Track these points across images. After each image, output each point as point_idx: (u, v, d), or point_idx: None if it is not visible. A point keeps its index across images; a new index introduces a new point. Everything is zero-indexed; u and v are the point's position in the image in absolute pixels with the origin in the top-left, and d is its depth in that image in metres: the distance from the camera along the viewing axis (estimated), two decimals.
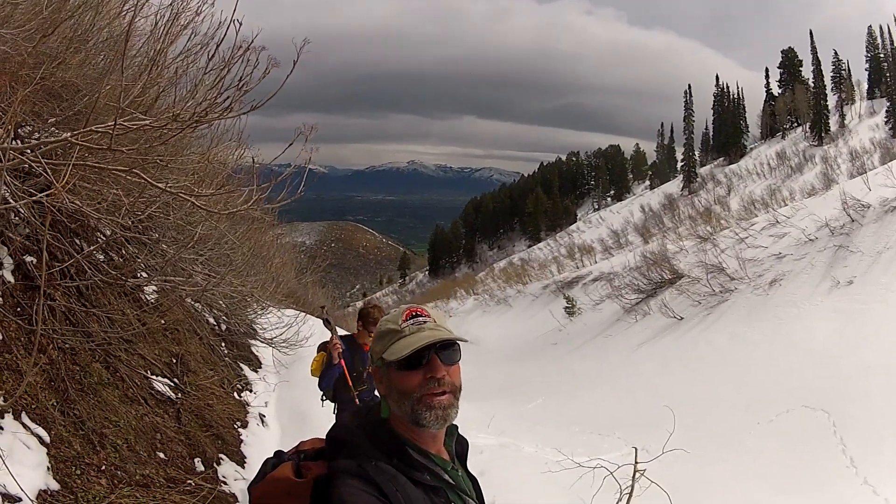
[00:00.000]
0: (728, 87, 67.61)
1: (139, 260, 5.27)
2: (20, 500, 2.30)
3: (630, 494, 4.53)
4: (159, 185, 3.76)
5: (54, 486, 2.57)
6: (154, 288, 5.74)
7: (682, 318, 15.79)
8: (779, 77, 63.13)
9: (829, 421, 8.18)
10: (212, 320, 7.95)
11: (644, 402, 10.55)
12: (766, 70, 64.83)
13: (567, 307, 26.87)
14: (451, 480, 1.53)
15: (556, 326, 25.54)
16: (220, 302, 8.27)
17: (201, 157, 5.63)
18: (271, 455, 1.60)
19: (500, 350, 26.27)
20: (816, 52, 57.44)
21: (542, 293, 34.76)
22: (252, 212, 9.38)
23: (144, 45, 4.53)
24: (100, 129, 2.96)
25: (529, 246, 75.59)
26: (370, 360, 1.60)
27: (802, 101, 56.10)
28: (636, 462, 4.75)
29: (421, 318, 1.52)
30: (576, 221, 76.27)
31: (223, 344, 7.68)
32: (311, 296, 25.25)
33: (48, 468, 2.61)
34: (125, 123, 3.10)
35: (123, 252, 5.40)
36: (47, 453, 2.67)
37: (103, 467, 3.01)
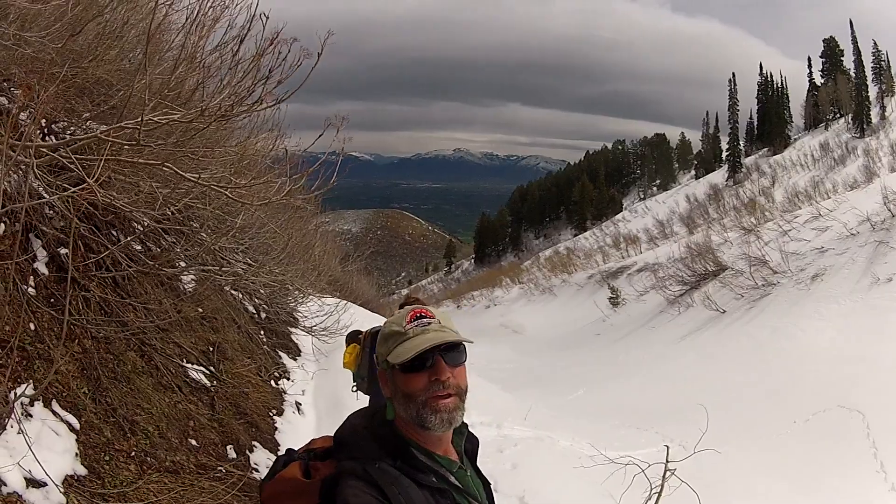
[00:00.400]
0: (771, 77, 65.71)
1: (177, 249, 5.41)
2: (45, 485, 2.38)
3: (659, 494, 4.43)
4: (191, 176, 3.85)
5: (81, 471, 2.66)
6: (192, 277, 5.88)
7: (724, 311, 15.71)
8: (821, 66, 61.41)
9: (863, 423, 8.11)
10: (251, 309, 8.11)
11: (684, 396, 10.49)
12: (809, 59, 63.20)
13: (611, 297, 26.91)
14: (457, 483, 1.51)
15: (601, 317, 25.55)
16: (261, 290, 8.44)
17: (238, 147, 5.73)
18: (299, 446, 1.62)
19: (544, 339, 26.46)
20: (857, 42, 55.55)
21: (587, 283, 34.76)
22: (292, 201, 9.59)
23: (178, 38, 4.60)
24: (129, 126, 3.02)
25: (575, 235, 74.72)
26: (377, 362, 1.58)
27: (844, 92, 54.21)
28: (667, 461, 4.66)
29: (425, 320, 1.51)
30: (621, 211, 74.95)
31: (262, 332, 7.82)
32: (354, 284, 25.58)
33: (76, 454, 2.70)
34: (154, 119, 3.17)
35: (162, 242, 5.55)
36: (76, 440, 2.76)
37: (133, 453, 3.10)
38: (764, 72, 65.97)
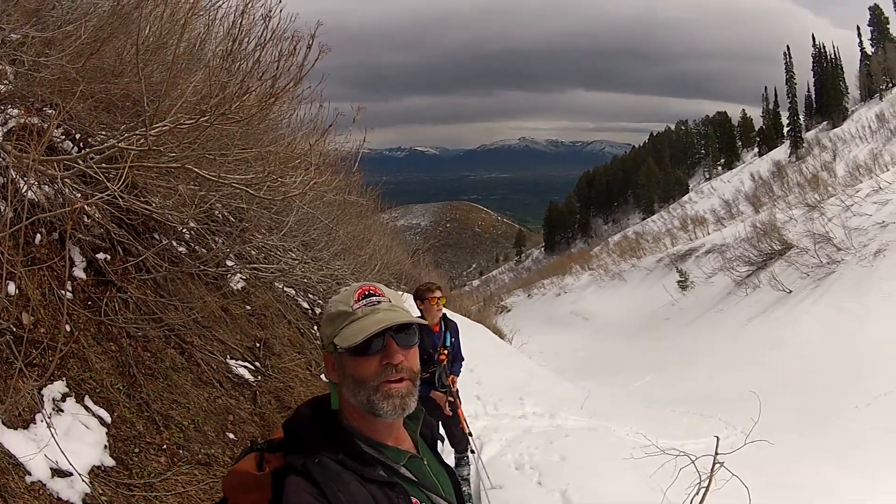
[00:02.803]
0: (825, 48, 62.25)
1: (219, 248, 5.63)
2: (71, 474, 2.55)
3: (707, 488, 4.27)
4: (211, 175, 4.00)
5: (109, 462, 2.82)
6: (241, 276, 6.11)
7: (790, 292, 15.38)
8: (870, 35, 58.49)
9: None
10: (305, 304, 8.33)
11: (750, 380, 10.30)
12: (858, 28, 59.89)
13: (680, 281, 26.81)
14: (410, 475, 1.43)
15: (669, 301, 25.46)
16: (318, 286, 8.66)
17: (274, 147, 5.89)
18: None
19: (614, 325, 26.54)
20: None
21: (656, 267, 34.50)
22: (342, 196, 9.79)
23: (195, 48, 4.77)
24: (138, 134, 3.18)
25: (643, 218, 73.19)
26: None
27: (894, 61, 51.41)
28: (716, 453, 4.45)
29: (375, 298, 1.43)
30: (688, 192, 72.76)
31: (315, 327, 8.03)
32: (424, 276, 25.92)
33: (105, 446, 2.87)
34: (167, 125, 3.32)
35: (210, 243, 5.79)
36: (107, 433, 2.93)
37: (164, 446, 3.26)
38: (817, 43, 62.90)
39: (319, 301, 8.88)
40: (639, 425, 8.25)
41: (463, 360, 5.46)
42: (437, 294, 5.08)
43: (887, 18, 56.34)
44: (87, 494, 2.53)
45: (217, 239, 5.99)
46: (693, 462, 4.51)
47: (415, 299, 5.11)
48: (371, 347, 1.36)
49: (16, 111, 3.22)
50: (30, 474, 2.39)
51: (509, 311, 42.31)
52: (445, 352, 5.27)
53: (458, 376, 5.43)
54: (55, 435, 2.55)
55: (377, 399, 1.36)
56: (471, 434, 5.59)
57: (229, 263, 5.98)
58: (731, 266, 21.95)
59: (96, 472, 2.72)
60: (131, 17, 3.96)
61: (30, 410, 2.58)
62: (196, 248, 5.41)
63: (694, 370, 13.67)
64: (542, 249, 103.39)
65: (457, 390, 5.37)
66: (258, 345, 5.60)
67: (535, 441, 6.84)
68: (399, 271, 19.84)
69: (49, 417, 2.62)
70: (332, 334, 1.41)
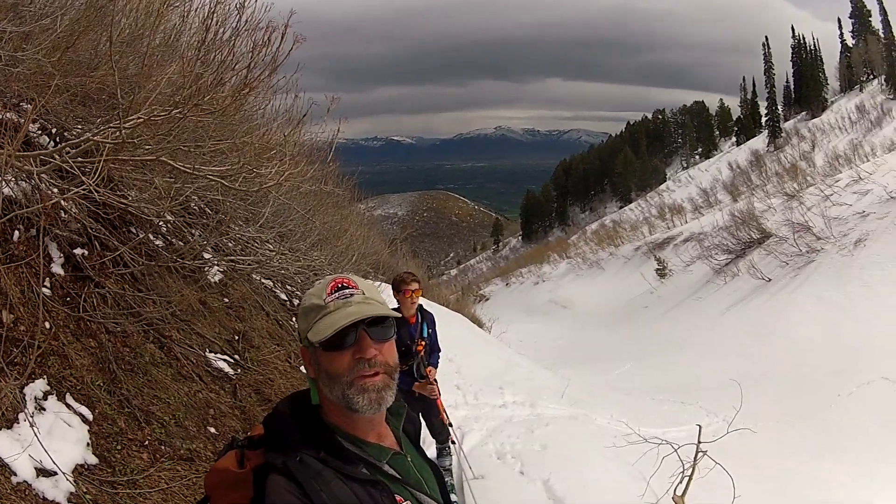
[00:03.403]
0: (804, 39, 63.57)
1: (201, 242, 5.59)
2: (55, 473, 2.55)
3: (690, 476, 4.32)
4: (185, 167, 3.97)
5: (92, 460, 2.83)
6: (218, 269, 6.08)
7: (769, 280, 15.60)
8: (851, 27, 59.24)
9: None
10: (283, 296, 8.30)
11: (730, 368, 10.50)
12: (839, 20, 60.70)
13: (658, 269, 27.08)
14: (393, 472, 1.41)
15: (648, 289, 25.72)
16: (295, 277, 8.62)
17: (249, 137, 5.84)
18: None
19: (593, 314, 26.80)
20: (882, 2, 53.79)
21: (634, 255, 34.75)
22: (317, 187, 9.75)
23: (171, 39, 4.73)
24: (112, 127, 3.16)
25: (621, 207, 73.89)
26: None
27: (876, 53, 52.22)
28: (699, 441, 4.47)
29: (348, 291, 1.40)
30: (665, 181, 73.66)
31: (294, 319, 8.02)
32: (401, 266, 25.85)
33: (88, 444, 2.87)
34: (140, 116, 3.29)
35: (187, 236, 5.75)
36: (88, 430, 2.93)
37: (147, 442, 3.27)
38: (797, 34, 64.03)
39: (297, 292, 8.85)
40: (620, 413, 8.36)
41: (440, 350, 5.48)
42: (413, 286, 5.07)
43: (869, 11, 57.09)
44: (71, 493, 2.54)
45: (194, 231, 5.95)
46: (676, 451, 4.52)
47: (392, 290, 5.12)
48: (344, 342, 1.34)
49: None
50: (15, 475, 2.39)
51: (487, 300, 42.38)
52: (423, 343, 5.28)
53: (436, 368, 5.44)
54: (38, 434, 2.55)
55: (352, 394, 1.34)
56: (451, 424, 5.62)
57: (206, 256, 5.95)
58: (710, 254, 22.29)
59: (80, 471, 2.72)
60: (107, 10, 3.91)
61: (12, 410, 2.57)
62: (173, 241, 5.37)
63: (673, 358, 13.83)
64: (520, 238, 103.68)
65: (435, 380, 5.40)
66: (237, 337, 5.59)
67: (515, 430, 6.84)
68: (377, 261, 19.74)
69: (32, 416, 2.62)
70: (307, 328, 1.39)
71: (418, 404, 5.18)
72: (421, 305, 5.33)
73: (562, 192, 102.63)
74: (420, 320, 5.28)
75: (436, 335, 5.44)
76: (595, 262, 39.53)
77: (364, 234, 16.61)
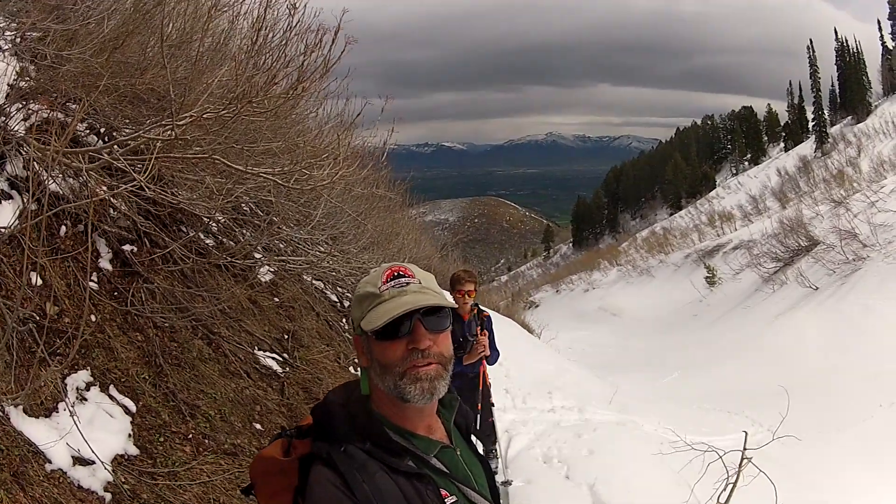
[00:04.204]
0: (847, 42, 61.07)
1: (247, 240, 5.63)
2: (93, 463, 2.53)
3: (735, 484, 4.16)
4: (239, 166, 3.98)
5: (133, 451, 2.81)
6: (268, 268, 6.11)
7: (816, 289, 15.27)
8: (890, 29, 56.78)
9: None
10: (334, 297, 8.33)
11: (777, 377, 10.33)
12: (878, 22, 58.31)
13: (708, 277, 26.78)
14: (441, 466, 1.36)
15: (697, 297, 25.45)
16: (346, 279, 8.65)
17: (301, 139, 5.87)
18: None
19: (642, 322, 26.81)
20: None
21: (684, 262, 34.53)
22: (370, 191, 9.79)
23: (220, 44, 4.76)
24: (163, 125, 3.17)
25: (671, 214, 72.62)
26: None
27: None
28: (744, 448, 4.35)
29: (404, 280, 1.35)
30: (715, 187, 71.90)
31: (344, 320, 8.02)
32: (452, 271, 25.87)
33: (130, 435, 2.86)
34: (192, 114, 3.29)
35: (238, 236, 5.81)
36: (131, 422, 2.92)
37: (190, 436, 3.25)
38: (839, 37, 61.63)
39: (348, 294, 8.87)
40: (666, 421, 8.24)
41: (498, 353, 5.37)
42: (468, 287, 4.98)
43: None
44: (108, 483, 2.52)
45: (244, 231, 6.00)
46: (721, 458, 4.43)
47: (449, 286, 5.04)
48: (398, 331, 1.30)
49: (38, 106, 3.22)
50: (50, 462, 2.37)
51: (538, 306, 42.39)
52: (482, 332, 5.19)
53: (491, 364, 5.37)
54: (78, 423, 2.53)
55: (404, 384, 1.30)
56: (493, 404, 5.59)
57: (257, 256, 5.98)
58: (759, 262, 21.98)
59: (119, 461, 2.70)
60: (154, 13, 3.96)
61: (52, 399, 2.58)
62: (223, 240, 5.42)
63: (721, 367, 13.71)
64: (570, 245, 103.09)
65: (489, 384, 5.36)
66: (286, 336, 5.59)
67: (563, 435, 6.82)
68: (428, 266, 19.80)
69: (72, 406, 2.61)
70: (360, 317, 1.36)
71: (472, 402, 5.08)
72: (477, 304, 5.24)
73: (612, 198, 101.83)
74: (475, 318, 5.17)
75: (493, 337, 5.32)
76: (645, 270, 39.37)
77: (415, 239, 16.68)
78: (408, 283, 1.35)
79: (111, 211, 3.77)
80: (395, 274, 1.36)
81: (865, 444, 7.44)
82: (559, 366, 11.90)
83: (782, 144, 72.22)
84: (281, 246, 6.66)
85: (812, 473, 6.42)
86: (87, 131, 3.76)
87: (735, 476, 4.20)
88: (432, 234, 36.52)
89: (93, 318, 3.12)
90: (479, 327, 5.10)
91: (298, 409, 4.72)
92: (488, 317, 5.31)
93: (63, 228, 3.22)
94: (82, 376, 2.82)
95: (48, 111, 3.20)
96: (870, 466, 6.77)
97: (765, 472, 4.09)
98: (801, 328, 13.56)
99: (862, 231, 15.56)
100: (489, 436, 5.45)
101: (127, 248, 3.76)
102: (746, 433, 4.62)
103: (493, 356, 5.29)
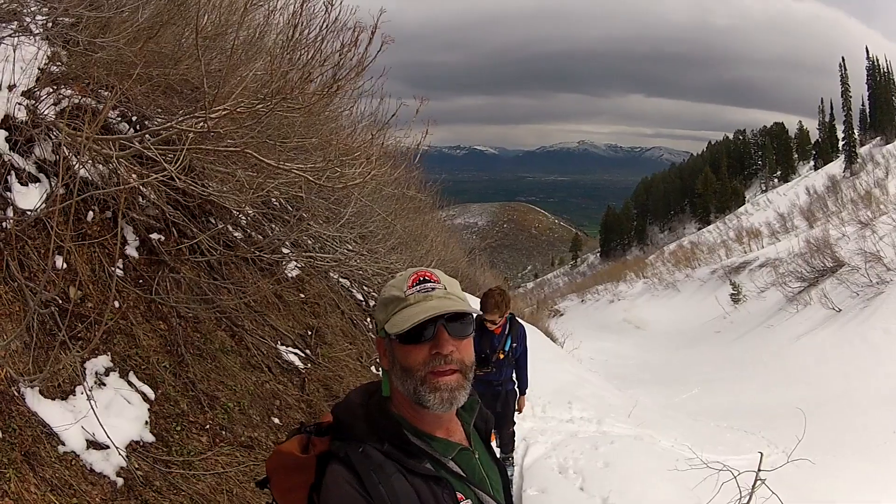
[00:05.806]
0: (878, 61, 59.89)
1: (275, 235, 5.63)
2: (107, 447, 2.52)
3: None
4: (271, 161, 3.97)
5: (149, 438, 2.80)
6: (295, 264, 6.11)
7: (839, 311, 15.21)
8: None
9: None
10: (359, 296, 8.32)
11: (796, 398, 10.43)
12: None
13: (733, 294, 26.70)
14: (459, 469, 1.37)
15: (721, 314, 25.33)
16: (373, 279, 8.64)
17: (334, 136, 5.88)
18: None
19: (666, 335, 27.02)
20: None
21: (710, 278, 34.53)
22: (400, 191, 9.78)
23: (255, 38, 4.76)
24: (196, 117, 3.16)
25: (699, 228, 71.87)
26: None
27: None
28: (759, 469, 4.30)
29: (429, 285, 1.36)
30: (744, 203, 70.79)
31: (368, 319, 8.00)
32: (479, 276, 25.88)
33: (146, 422, 2.85)
34: (225, 107, 3.29)
35: (266, 230, 5.81)
36: (149, 409, 2.91)
37: (207, 426, 3.23)
38: (870, 56, 60.46)
39: (374, 293, 8.85)
40: (684, 437, 8.25)
41: (527, 368, 5.31)
42: (492, 316, 4.89)
43: None
44: (122, 468, 2.50)
45: (273, 226, 6.01)
46: (735, 477, 4.36)
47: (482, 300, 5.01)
48: (422, 336, 1.31)
49: (69, 91, 3.24)
50: (63, 444, 2.37)
51: (562, 315, 42.45)
52: (503, 355, 5.11)
53: (524, 393, 5.40)
54: (95, 407, 2.53)
55: (424, 391, 1.31)
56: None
57: (285, 251, 5.98)
58: (784, 281, 21.94)
59: (134, 447, 2.70)
60: (188, 5, 3.98)
61: (70, 382, 2.57)
62: (252, 233, 5.42)
63: (741, 385, 13.74)
64: (598, 255, 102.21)
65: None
66: (310, 333, 5.58)
67: (580, 446, 6.75)
68: (455, 269, 19.80)
69: (90, 390, 2.61)
70: (384, 320, 1.37)
71: (492, 406, 5.01)
72: (512, 315, 5.16)
73: (642, 210, 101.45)
74: (507, 332, 5.10)
75: (525, 351, 5.24)
76: (671, 284, 39.39)
77: (444, 241, 16.64)
78: (433, 289, 1.36)
79: (140, 199, 3.78)
80: (421, 279, 1.38)
81: (879, 470, 7.32)
82: (580, 376, 11.86)
83: (812, 162, 71.52)
84: (309, 242, 6.66)
85: (825, 497, 6.27)
86: (119, 119, 3.78)
87: (748, 497, 4.18)
88: (461, 238, 36.62)
89: (116, 304, 3.12)
90: (502, 351, 5.04)
91: (318, 405, 4.69)
92: (521, 329, 5.22)
93: (91, 214, 3.23)
94: (102, 361, 2.82)
95: (80, 97, 3.21)
96: (885, 494, 6.59)
97: (777, 495, 4.05)
98: (822, 349, 13.59)
99: (886, 254, 15.60)
100: (507, 444, 5.40)
101: (154, 236, 3.77)
102: (762, 454, 4.62)
103: (523, 378, 5.26)
